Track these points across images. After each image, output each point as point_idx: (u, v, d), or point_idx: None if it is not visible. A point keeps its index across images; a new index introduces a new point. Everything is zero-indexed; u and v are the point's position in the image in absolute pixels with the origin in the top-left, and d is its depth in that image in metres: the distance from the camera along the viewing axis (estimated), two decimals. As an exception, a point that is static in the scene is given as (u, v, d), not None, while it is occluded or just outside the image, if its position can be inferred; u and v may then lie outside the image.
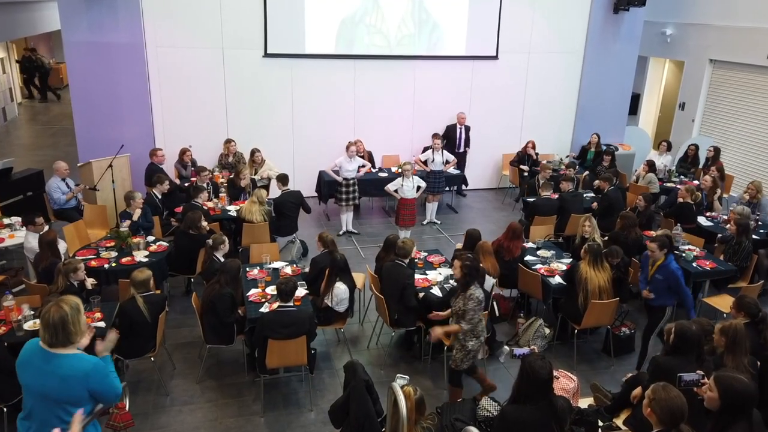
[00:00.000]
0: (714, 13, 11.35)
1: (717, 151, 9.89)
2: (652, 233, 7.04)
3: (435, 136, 9.38)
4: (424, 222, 9.41)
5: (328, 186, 9.04)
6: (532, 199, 8.40)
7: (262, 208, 7.27)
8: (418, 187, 8.32)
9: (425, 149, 9.55)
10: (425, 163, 9.24)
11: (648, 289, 5.74)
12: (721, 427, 3.02)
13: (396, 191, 8.29)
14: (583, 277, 5.65)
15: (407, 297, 5.54)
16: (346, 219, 8.93)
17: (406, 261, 5.73)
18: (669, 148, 10.42)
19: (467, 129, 10.26)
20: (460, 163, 10.26)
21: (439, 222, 9.46)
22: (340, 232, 8.85)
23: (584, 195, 8.63)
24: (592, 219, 6.71)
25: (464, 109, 10.50)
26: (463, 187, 10.25)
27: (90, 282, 5.46)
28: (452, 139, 10.23)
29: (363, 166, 8.98)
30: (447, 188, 9.94)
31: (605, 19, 10.76)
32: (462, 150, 10.31)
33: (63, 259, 5.75)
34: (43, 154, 12.52)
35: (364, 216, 9.82)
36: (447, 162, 9.31)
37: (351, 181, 8.72)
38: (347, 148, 8.65)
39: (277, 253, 6.85)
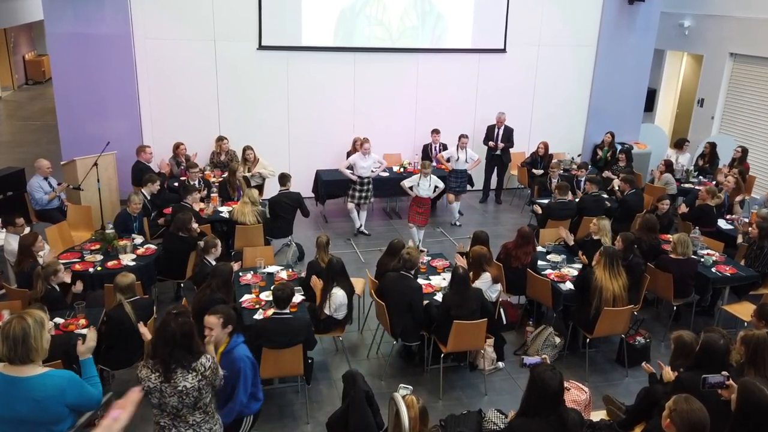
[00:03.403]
0: (734, 4, 11.36)
1: (744, 151, 9.82)
2: (669, 237, 7.06)
3: (462, 136, 9.22)
4: (456, 223, 9.45)
5: (326, 186, 9.04)
6: (545, 201, 8.39)
7: (255, 209, 7.27)
8: (435, 187, 8.31)
9: (438, 147, 9.55)
10: (448, 160, 9.25)
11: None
12: None
13: (411, 188, 8.30)
14: (598, 285, 5.58)
15: (416, 311, 5.54)
16: (356, 216, 8.96)
17: (412, 272, 5.71)
18: (680, 145, 10.41)
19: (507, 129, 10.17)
20: (500, 165, 10.34)
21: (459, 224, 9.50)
22: (356, 232, 8.93)
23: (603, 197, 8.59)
24: (601, 221, 6.72)
25: (470, 105, 10.52)
26: (468, 187, 10.25)
27: (74, 282, 5.46)
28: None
29: (380, 163, 8.95)
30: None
31: (620, 10, 10.77)
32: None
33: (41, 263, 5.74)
34: (24, 151, 12.54)
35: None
36: (471, 160, 9.27)
37: (366, 180, 8.74)
38: (361, 144, 8.68)
39: (271, 256, 6.86)
